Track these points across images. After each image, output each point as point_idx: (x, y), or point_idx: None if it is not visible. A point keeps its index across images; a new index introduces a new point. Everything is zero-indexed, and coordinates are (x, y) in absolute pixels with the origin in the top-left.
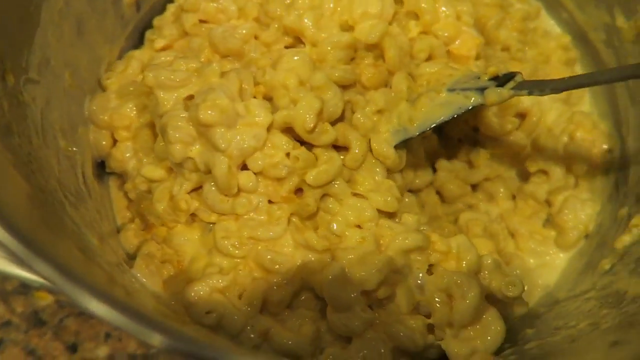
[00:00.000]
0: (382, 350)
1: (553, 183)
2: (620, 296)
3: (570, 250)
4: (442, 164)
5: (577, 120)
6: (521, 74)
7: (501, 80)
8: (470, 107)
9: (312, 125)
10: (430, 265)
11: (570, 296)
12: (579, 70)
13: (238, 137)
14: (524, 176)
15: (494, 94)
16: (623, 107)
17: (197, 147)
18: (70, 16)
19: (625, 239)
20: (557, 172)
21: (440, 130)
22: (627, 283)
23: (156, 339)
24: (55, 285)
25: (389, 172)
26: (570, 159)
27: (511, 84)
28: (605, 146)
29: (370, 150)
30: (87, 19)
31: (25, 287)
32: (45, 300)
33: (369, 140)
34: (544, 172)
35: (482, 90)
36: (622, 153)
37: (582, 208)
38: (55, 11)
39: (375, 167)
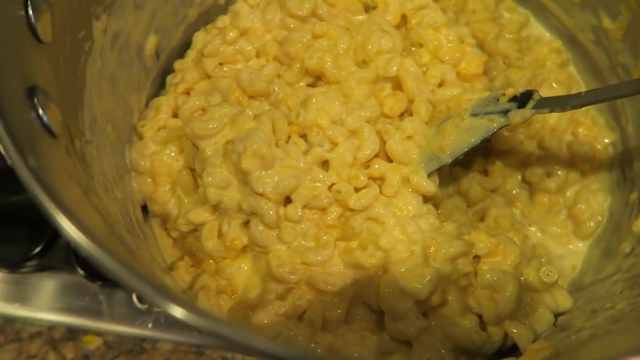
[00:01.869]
0: (443, 351)
1: (560, 180)
2: None
3: (589, 239)
4: (460, 173)
5: (577, 119)
6: (538, 91)
7: (520, 100)
8: (495, 130)
9: (346, 174)
10: (477, 258)
11: (596, 280)
12: (573, 70)
13: (276, 178)
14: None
15: (518, 116)
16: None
17: (234, 190)
18: (106, 74)
19: None
20: (558, 172)
21: None
22: None
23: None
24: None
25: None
26: (575, 157)
27: (531, 103)
28: (607, 140)
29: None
30: (118, 73)
31: (72, 333)
32: (93, 343)
33: (403, 168)
34: (547, 175)
35: (504, 112)
36: (624, 141)
37: (594, 198)
38: (95, 72)
39: (412, 194)
